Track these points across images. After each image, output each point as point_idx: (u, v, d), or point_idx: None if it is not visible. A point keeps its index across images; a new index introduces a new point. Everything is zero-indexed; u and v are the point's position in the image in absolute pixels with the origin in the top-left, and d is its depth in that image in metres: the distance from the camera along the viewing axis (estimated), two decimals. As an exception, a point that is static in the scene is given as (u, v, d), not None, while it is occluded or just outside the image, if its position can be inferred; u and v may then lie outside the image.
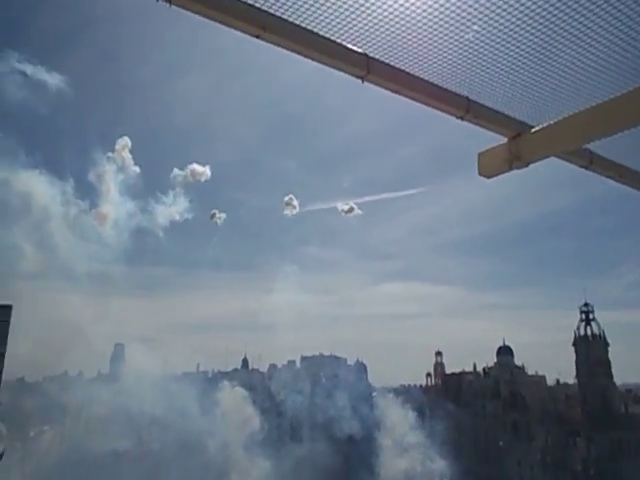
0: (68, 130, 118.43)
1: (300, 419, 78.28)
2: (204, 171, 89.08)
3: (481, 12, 2.40)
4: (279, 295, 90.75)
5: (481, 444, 75.34)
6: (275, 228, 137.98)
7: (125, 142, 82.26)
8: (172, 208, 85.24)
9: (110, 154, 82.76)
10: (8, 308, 35.18)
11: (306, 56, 2.59)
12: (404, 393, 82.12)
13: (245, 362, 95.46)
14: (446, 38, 2.60)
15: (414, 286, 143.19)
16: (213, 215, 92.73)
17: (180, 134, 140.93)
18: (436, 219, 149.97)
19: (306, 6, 2.41)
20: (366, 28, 2.57)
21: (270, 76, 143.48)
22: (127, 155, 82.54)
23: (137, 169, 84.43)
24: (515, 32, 2.54)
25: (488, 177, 3.45)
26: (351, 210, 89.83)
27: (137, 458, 66.36)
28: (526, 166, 3.27)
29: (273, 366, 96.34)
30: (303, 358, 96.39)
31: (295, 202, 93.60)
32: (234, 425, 71.95)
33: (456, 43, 2.63)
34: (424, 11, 2.48)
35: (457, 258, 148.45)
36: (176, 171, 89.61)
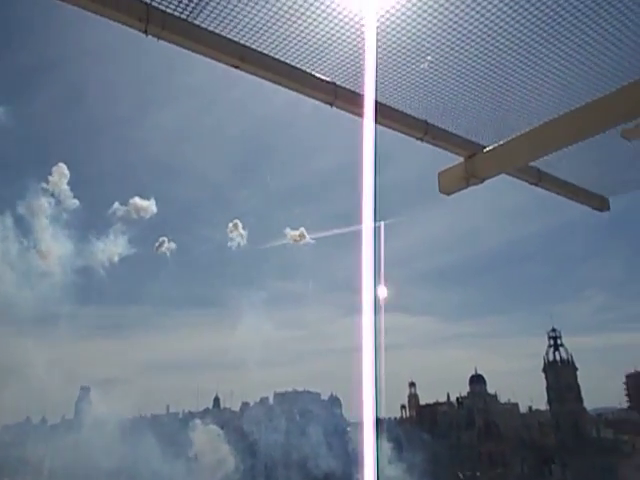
0: (4, 162, 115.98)
1: (275, 458, 76.57)
2: (148, 205, 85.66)
3: (433, 44, 2.74)
4: (246, 331, 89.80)
5: (458, 476, 74.94)
6: (231, 262, 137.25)
7: (62, 171, 78.32)
8: (117, 243, 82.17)
9: (45, 185, 78.78)
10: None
11: (280, 84, 2.89)
12: (379, 426, 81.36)
13: (216, 401, 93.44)
14: (404, 67, 2.93)
15: (385, 317, 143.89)
16: (161, 244, 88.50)
17: (136, 168, 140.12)
18: (404, 250, 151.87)
19: (280, 39, 2.71)
20: (334, 59, 2.89)
21: (240, 110, 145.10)
22: (65, 187, 79.02)
23: (76, 202, 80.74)
24: (465, 60, 2.89)
25: (448, 194, 3.78)
26: (302, 237, 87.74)
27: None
28: (481, 182, 3.61)
29: (245, 404, 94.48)
30: (276, 394, 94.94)
31: (241, 229, 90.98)
32: (208, 466, 69.92)
33: (413, 71, 2.97)
34: (384, 44, 2.81)
35: (427, 289, 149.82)
36: (117, 205, 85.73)
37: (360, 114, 3.23)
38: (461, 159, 3.68)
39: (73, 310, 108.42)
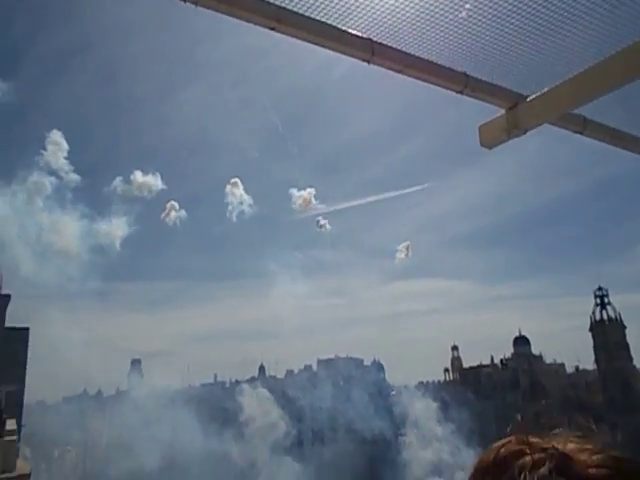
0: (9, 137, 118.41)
1: (321, 422, 78.41)
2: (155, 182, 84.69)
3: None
4: (285, 301, 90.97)
5: (503, 435, 75.16)
6: (271, 232, 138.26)
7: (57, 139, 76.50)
8: (126, 221, 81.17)
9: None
10: (26, 330, 35.53)
11: (316, 44, 2.88)
12: (423, 389, 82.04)
13: (262, 369, 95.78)
14: (442, 18, 2.88)
15: (427, 283, 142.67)
16: (169, 211, 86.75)
17: (160, 146, 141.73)
18: (443, 214, 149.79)
19: (315, -2, 2.69)
20: (369, 14, 2.85)
21: (270, 81, 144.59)
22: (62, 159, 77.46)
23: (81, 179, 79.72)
24: (504, 5, 2.81)
25: (489, 148, 3.71)
26: (307, 202, 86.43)
27: (164, 473, 66.74)
28: (523, 133, 3.53)
29: (290, 372, 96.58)
30: (320, 361, 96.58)
31: (240, 188, 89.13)
32: (259, 430, 72.19)
33: (451, 22, 2.91)
34: (421, -5, 2.76)
35: (467, 252, 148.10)
36: (138, 177, 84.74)
37: (397, 70, 3.19)
38: (502, 111, 3.61)
39: (107, 287, 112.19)
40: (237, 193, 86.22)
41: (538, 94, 3.49)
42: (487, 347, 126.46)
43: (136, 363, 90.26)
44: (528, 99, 3.51)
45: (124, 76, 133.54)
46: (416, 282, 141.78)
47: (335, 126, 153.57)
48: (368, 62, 3.07)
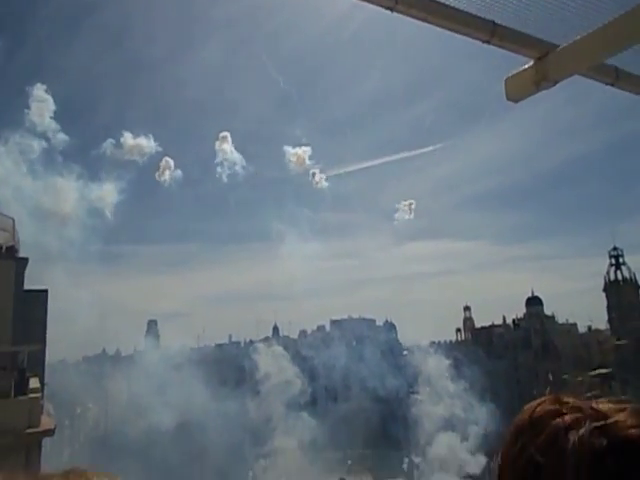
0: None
1: (335, 380, 79.98)
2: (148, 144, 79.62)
3: None
4: (297, 263, 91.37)
5: (515, 393, 76.15)
6: (275, 193, 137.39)
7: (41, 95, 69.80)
8: (120, 184, 77.05)
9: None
10: (44, 292, 36.17)
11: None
12: (435, 349, 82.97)
13: (276, 330, 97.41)
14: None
15: (439, 244, 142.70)
16: (164, 170, 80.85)
17: (172, 108, 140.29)
18: (455, 175, 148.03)
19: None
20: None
21: (283, 39, 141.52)
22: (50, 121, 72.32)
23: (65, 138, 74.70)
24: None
25: (516, 101, 3.57)
26: (301, 160, 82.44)
27: (181, 430, 68.89)
28: (553, 85, 3.38)
29: (303, 332, 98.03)
30: (332, 322, 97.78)
31: (229, 141, 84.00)
32: (275, 387, 73.81)
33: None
34: None
35: (480, 213, 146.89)
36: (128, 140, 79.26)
37: (421, 18, 3.05)
38: (531, 62, 3.45)
39: (113, 250, 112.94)
40: (227, 149, 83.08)
41: (570, 42, 3.32)
42: (499, 308, 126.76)
43: (152, 324, 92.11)
44: (559, 48, 3.35)
45: (118, 34, 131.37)
46: (428, 243, 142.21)
47: (349, 83, 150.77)
48: (391, 10, 2.92)
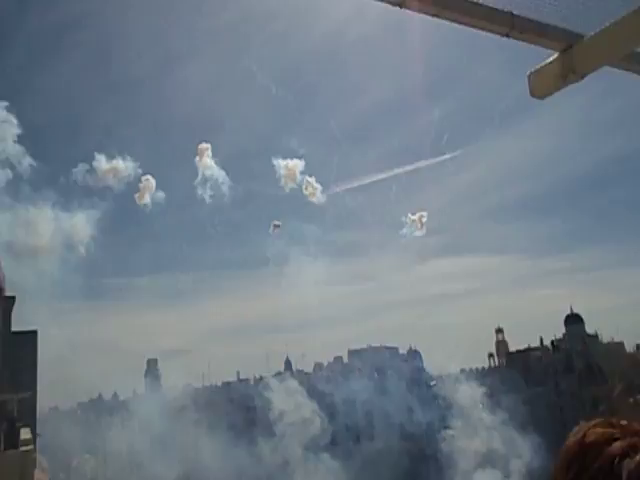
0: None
1: (357, 417, 79.12)
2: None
3: None
4: (307, 289, 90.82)
5: (559, 422, 74.82)
6: (276, 214, 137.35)
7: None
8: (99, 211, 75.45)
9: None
10: (34, 334, 36.32)
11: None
12: (466, 377, 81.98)
13: (288, 364, 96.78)
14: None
15: (464, 260, 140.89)
16: (143, 191, 76.31)
17: (169, 127, 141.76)
18: (478, 183, 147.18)
19: None
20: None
21: (275, 45, 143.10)
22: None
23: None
24: None
25: (541, 97, 3.59)
26: (293, 174, 77.99)
27: None
28: (581, 78, 3.40)
29: (319, 365, 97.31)
30: (350, 352, 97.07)
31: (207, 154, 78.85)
32: (290, 426, 73.06)
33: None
34: None
35: (509, 224, 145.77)
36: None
37: (433, 13, 3.08)
38: (555, 54, 3.47)
39: (104, 284, 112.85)
40: (208, 164, 78.20)
41: (597, 32, 3.34)
42: (535, 328, 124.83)
43: (152, 363, 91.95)
44: (585, 39, 3.37)
45: (95, 51, 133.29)
46: (452, 261, 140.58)
47: (355, 88, 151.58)
48: (400, 6, 2.97)
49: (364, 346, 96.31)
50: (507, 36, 3.26)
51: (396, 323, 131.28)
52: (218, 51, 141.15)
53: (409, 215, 78.96)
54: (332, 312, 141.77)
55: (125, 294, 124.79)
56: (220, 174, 76.92)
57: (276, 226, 74.53)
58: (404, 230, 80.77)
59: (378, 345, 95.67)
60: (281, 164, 76.60)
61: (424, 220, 78.23)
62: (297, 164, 78.12)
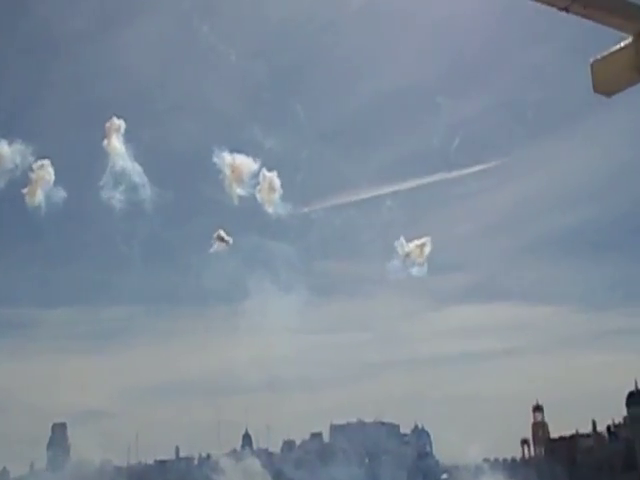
0: None
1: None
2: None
3: None
4: (278, 336, 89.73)
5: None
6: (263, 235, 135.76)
7: None
8: None
9: None
10: None
11: None
12: (490, 470, 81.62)
13: (247, 439, 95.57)
14: None
15: (494, 309, 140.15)
16: (33, 187, 70.86)
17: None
18: (517, 205, 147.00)
19: None
20: None
21: (258, 15, 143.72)
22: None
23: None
24: None
25: (609, 94, 3.63)
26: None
27: None
28: (663, 71, 3.45)
29: (289, 443, 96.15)
30: (333, 427, 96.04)
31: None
32: None
33: None
34: None
35: (557, 262, 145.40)
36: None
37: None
38: (628, 39, 3.53)
39: (16, 315, 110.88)
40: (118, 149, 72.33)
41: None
42: (587, 408, 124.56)
43: (59, 428, 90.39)
44: (669, 19, 3.43)
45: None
46: (480, 308, 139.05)
47: (356, 77, 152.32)
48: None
49: (352, 420, 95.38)
50: (566, 10, 3.30)
51: (398, 390, 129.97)
52: (167, 12, 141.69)
53: (402, 241, 76.28)
54: (310, 370, 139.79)
55: (26, 331, 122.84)
56: (135, 169, 70.90)
57: (221, 239, 71.22)
58: (429, 265, 79.18)
59: (371, 420, 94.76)
60: (226, 160, 69.61)
61: (426, 249, 75.93)
62: (249, 163, 71.12)
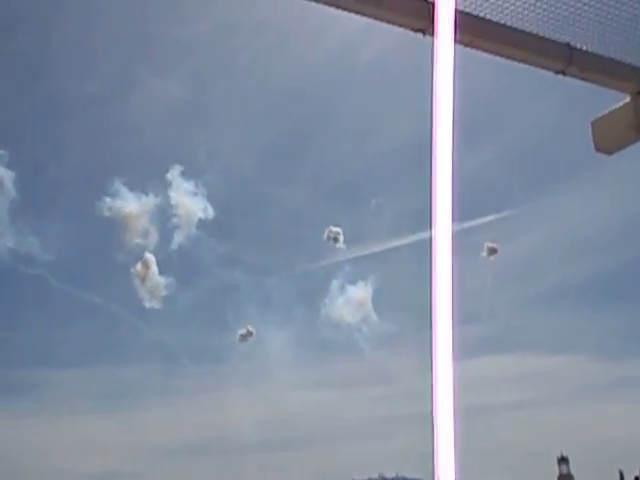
0: None
1: None
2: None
3: None
4: (304, 393, 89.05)
5: None
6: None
7: None
8: None
9: None
10: None
11: (359, 12, 2.99)
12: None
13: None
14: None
15: (514, 360, 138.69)
16: None
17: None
18: (530, 257, 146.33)
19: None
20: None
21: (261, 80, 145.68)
22: None
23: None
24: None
25: (609, 152, 3.71)
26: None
27: None
28: (663, 129, 3.53)
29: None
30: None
31: None
32: None
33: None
34: None
35: (570, 312, 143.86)
36: None
37: (466, 43, 3.23)
38: (627, 98, 3.61)
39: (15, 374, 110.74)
40: None
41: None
42: (612, 457, 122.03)
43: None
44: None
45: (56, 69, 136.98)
46: (494, 359, 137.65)
47: (362, 134, 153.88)
48: (423, 33, 3.13)
49: (374, 475, 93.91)
50: (562, 74, 3.39)
51: (421, 445, 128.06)
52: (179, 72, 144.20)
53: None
54: (326, 426, 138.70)
55: (42, 391, 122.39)
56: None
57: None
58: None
59: (394, 475, 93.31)
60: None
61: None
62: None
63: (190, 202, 79.56)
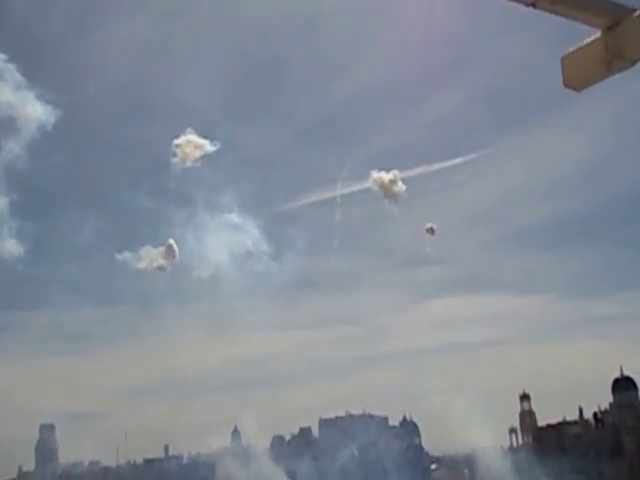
0: None
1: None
2: None
3: None
4: (272, 333, 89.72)
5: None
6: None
7: None
8: None
9: None
10: None
11: None
12: (478, 461, 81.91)
13: (236, 435, 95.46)
14: None
15: (478, 300, 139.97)
16: None
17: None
18: (500, 198, 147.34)
19: None
20: None
21: (238, 10, 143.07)
22: None
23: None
24: None
25: (577, 89, 3.61)
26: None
27: None
28: (632, 65, 3.43)
29: (278, 438, 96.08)
30: (323, 422, 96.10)
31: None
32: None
33: None
34: None
35: (541, 253, 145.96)
36: None
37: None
38: (597, 33, 3.51)
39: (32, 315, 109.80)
40: None
41: (652, 4, 3.40)
42: (573, 395, 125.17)
43: (47, 430, 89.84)
44: (637, 13, 3.42)
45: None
46: (464, 300, 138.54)
47: (331, 73, 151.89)
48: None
49: (341, 413, 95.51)
50: (533, 6, 3.28)
51: (387, 383, 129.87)
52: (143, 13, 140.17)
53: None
54: (300, 365, 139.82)
55: (12, 333, 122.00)
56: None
57: None
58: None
59: (360, 413, 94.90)
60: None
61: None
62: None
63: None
